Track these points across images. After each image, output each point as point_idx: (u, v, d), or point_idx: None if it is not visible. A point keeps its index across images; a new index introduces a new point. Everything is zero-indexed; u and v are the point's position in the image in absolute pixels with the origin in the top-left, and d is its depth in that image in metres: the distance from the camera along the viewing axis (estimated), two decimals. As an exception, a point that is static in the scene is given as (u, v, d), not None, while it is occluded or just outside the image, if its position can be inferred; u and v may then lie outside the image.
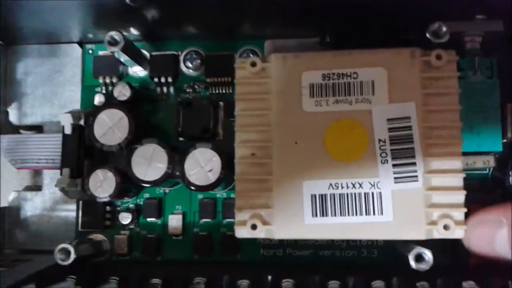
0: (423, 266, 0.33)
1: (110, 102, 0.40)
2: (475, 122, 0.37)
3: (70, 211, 0.43)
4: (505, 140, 0.37)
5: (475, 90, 0.37)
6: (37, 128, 0.44)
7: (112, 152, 0.38)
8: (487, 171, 0.38)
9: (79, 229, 0.41)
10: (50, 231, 0.43)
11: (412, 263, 0.33)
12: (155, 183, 0.37)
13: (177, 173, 0.37)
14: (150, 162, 0.37)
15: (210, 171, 0.36)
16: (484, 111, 0.37)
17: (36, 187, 0.44)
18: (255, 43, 0.41)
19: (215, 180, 0.36)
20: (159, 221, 0.41)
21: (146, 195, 0.41)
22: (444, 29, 0.34)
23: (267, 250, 0.40)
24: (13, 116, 0.44)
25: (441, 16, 0.34)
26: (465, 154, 0.36)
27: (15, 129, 0.44)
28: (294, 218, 0.33)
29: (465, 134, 0.36)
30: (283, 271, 0.37)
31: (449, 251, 0.37)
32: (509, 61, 0.38)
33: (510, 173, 0.36)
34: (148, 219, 0.41)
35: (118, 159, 0.38)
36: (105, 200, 0.37)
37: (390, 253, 0.39)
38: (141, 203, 0.41)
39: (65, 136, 0.39)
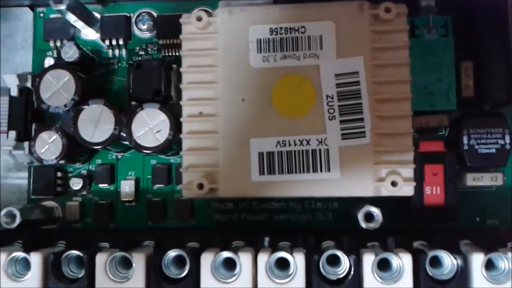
0: (373, 225, 0.32)
1: (57, 63, 0.39)
2: (429, 81, 0.36)
3: (22, 178, 0.42)
4: (459, 99, 0.36)
5: (430, 48, 0.36)
6: (-10, 95, 0.43)
7: (61, 114, 0.37)
8: (442, 132, 0.38)
9: (31, 196, 0.40)
10: (3, 199, 0.42)
11: (362, 222, 0.32)
12: (102, 145, 0.36)
13: (125, 135, 0.36)
14: (97, 123, 0.36)
15: (158, 132, 0.35)
16: (439, 70, 0.36)
17: (-13, 155, 0.43)
18: (210, 4, 0.40)
19: (164, 141, 0.35)
20: (111, 187, 0.40)
21: (98, 161, 0.40)
22: (395, -18, 0.33)
23: (221, 215, 0.39)
24: (-36, 82, 0.43)
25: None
26: (419, 113, 0.36)
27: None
28: (241, 176, 0.32)
29: (419, 93, 0.36)
30: (236, 235, 0.36)
31: (403, 212, 0.36)
32: (464, 19, 0.37)
33: (464, 132, 0.35)
34: (101, 185, 0.40)
35: (66, 122, 0.37)
36: (52, 162, 0.37)
37: (345, 217, 0.38)
38: (93, 169, 0.40)
39: (11, 98, 0.38)
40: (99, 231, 0.39)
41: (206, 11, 0.36)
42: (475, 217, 0.37)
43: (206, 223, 0.39)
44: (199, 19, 0.33)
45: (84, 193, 0.40)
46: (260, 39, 0.33)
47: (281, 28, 0.33)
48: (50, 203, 0.40)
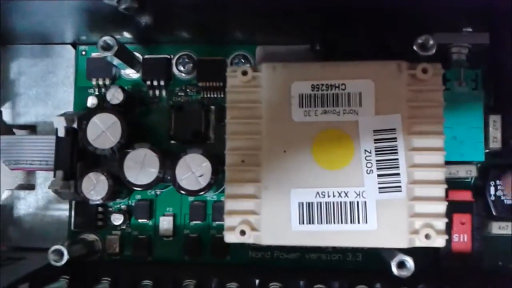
0: (405, 273, 0.34)
1: (103, 105, 0.40)
2: (459, 132, 0.38)
3: (62, 210, 0.43)
4: (487, 150, 0.38)
5: (460, 100, 0.38)
6: (31, 128, 0.45)
7: (105, 155, 0.39)
8: (470, 180, 0.39)
9: (72, 228, 0.42)
10: (43, 229, 0.44)
11: (394, 270, 0.34)
12: (147, 187, 0.37)
13: (168, 178, 0.37)
14: (142, 167, 0.37)
15: (200, 176, 0.37)
16: (468, 121, 0.38)
17: (29, 186, 0.45)
18: (247, 49, 0.42)
19: (206, 185, 0.37)
20: (150, 222, 0.42)
21: (138, 197, 0.42)
22: (431, 42, 0.35)
23: (255, 253, 0.41)
24: (6, 115, 0.44)
25: (429, 29, 0.35)
26: (448, 163, 0.37)
27: (8, 129, 0.44)
28: (281, 225, 0.34)
29: (449, 143, 0.37)
30: (270, 274, 0.38)
31: (430, 258, 0.38)
32: (494, 73, 0.39)
33: (491, 183, 0.37)
34: (140, 220, 0.42)
35: (111, 162, 0.39)
36: (98, 202, 0.38)
37: (374, 258, 0.40)
38: (133, 204, 0.42)
39: (58, 139, 0.39)
40: (138, 265, 0.41)
41: (249, 61, 0.38)
42: (498, 261, 0.39)
43: (240, 259, 0.41)
44: (245, 73, 0.35)
45: (124, 227, 0.42)
46: (302, 95, 0.35)
47: (322, 84, 0.35)
48: (90, 236, 0.42)
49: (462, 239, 0.37)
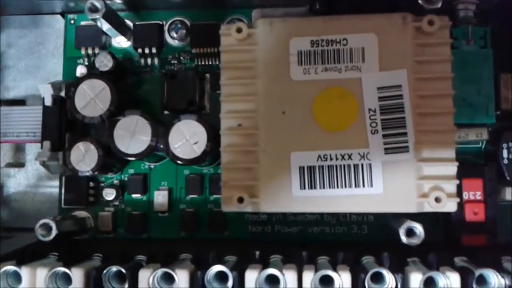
0: (414, 241, 0.32)
1: (92, 72, 0.38)
2: (468, 93, 0.36)
3: (54, 187, 0.42)
4: (498, 112, 0.36)
5: (468, 60, 0.36)
6: (20, 103, 0.43)
7: (95, 124, 0.37)
8: (480, 145, 0.37)
9: (62, 205, 0.40)
10: (34, 208, 0.42)
11: (403, 238, 0.32)
12: (139, 156, 0.35)
13: (161, 146, 0.35)
14: (133, 135, 0.35)
15: (195, 143, 0.35)
16: (478, 82, 0.36)
17: (18, 164, 0.43)
18: (243, 12, 0.40)
19: (201, 153, 0.35)
20: (144, 198, 0.40)
21: (131, 171, 0.40)
22: (437, -7, 0.33)
23: (255, 227, 0.39)
24: (-6, 89, 0.43)
25: (434, -18, 0.33)
26: (457, 126, 0.35)
27: (-4, 104, 0.42)
28: (281, 190, 0.32)
29: (457, 105, 0.35)
30: (271, 247, 0.36)
31: (441, 227, 0.36)
32: (504, 30, 0.37)
33: (504, 145, 0.35)
34: (133, 195, 0.40)
35: (101, 132, 0.37)
36: (87, 174, 0.36)
37: (381, 229, 0.38)
38: (126, 178, 0.40)
39: (45, 108, 0.37)
40: (132, 242, 0.39)
41: (244, 22, 0.36)
42: (513, 229, 0.37)
43: (239, 234, 0.39)
44: (239, 30, 0.33)
45: (117, 203, 0.40)
46: (301, 51, 0.33)
47: (322, 40, 0.33)
48: (82, 213, 0.40)
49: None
